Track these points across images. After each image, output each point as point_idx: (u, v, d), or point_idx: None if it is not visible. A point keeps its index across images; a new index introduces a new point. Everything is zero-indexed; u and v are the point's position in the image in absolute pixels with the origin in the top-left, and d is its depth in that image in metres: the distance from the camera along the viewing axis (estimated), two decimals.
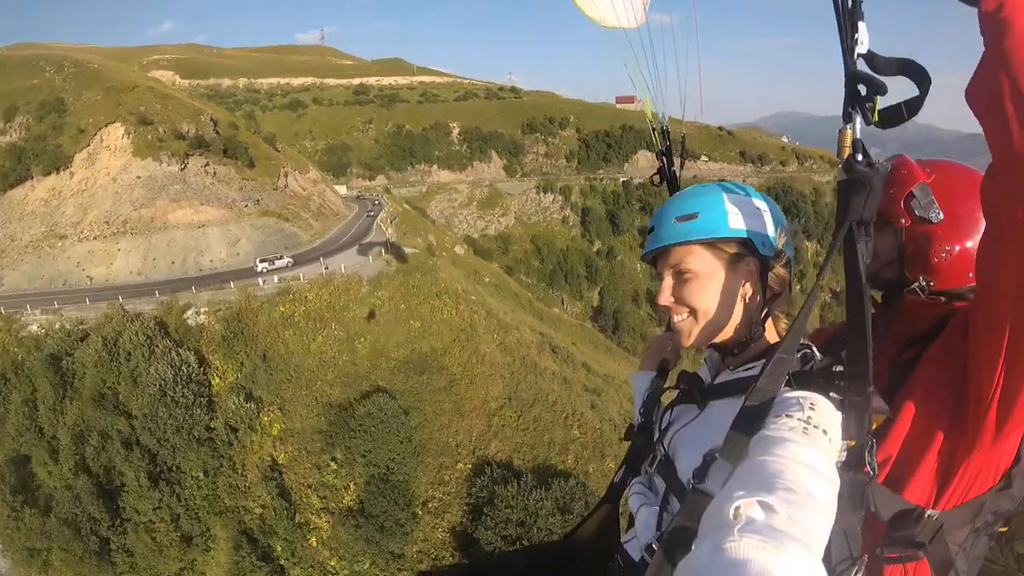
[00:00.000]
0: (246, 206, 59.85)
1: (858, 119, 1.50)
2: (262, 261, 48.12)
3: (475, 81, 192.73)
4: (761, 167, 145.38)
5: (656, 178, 3.21)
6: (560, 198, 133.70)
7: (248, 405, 35.69)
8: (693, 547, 1.19)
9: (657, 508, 1.97)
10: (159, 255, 53.26)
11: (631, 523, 2.09)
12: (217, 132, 65.67)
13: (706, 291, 1.86)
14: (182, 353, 36.26)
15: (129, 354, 36.59)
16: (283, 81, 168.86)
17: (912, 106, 1.45)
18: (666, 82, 3.03)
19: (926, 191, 2.17)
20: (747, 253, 1.85)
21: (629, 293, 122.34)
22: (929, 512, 1.86)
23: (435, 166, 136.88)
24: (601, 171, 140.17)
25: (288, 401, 36.75)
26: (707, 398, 1.96)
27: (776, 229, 1.88)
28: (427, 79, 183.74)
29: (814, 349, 1.72)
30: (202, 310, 40.52)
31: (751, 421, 1.53)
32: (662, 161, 3.18)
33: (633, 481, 2.20)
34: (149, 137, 60.49)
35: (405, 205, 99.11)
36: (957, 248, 2.12)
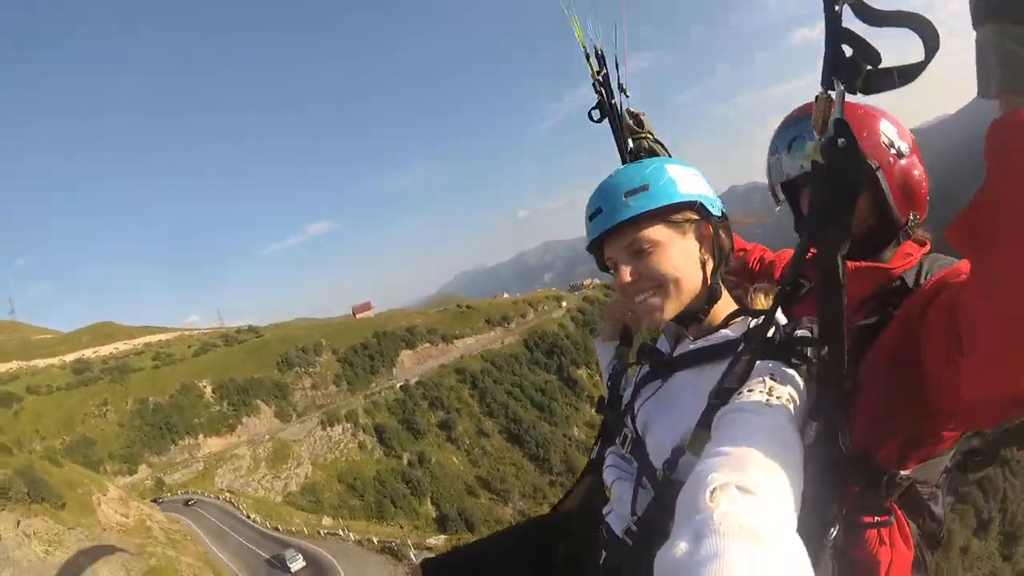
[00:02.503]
0: None
1: (839, 88, 1.42)
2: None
3: (205, 330, 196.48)
4: (509, 326, 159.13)
5: (595, 113, 3.53)
6: (349, 425, 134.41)
7: None
8: (671, 536, 1.22)
9: (631, 483, 2.10)
10: None
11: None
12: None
13: (670, 260, 1.95)
14: None
15: None
16: None
17: (908, 72, 1.35)
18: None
19: (889, 125, 2.26)
20: (699, 218, 1.99)
21: (461, 488, 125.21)
22: (901, 474, 1.94)
23: (201, 435, 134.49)
24: (374, 384, 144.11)
25: None
26: (670, 370, 2.09)
27: (714, 193, 2.03)
28: (152, 339, 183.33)
29: (779, 315, 1.81)
30: None
31: (714, 411, 1.63)
32: (600, 93, 3.49)
33: (608, 452, 2.35)
34: None
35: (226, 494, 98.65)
36: (921, 170, 2.28)
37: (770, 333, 1.76)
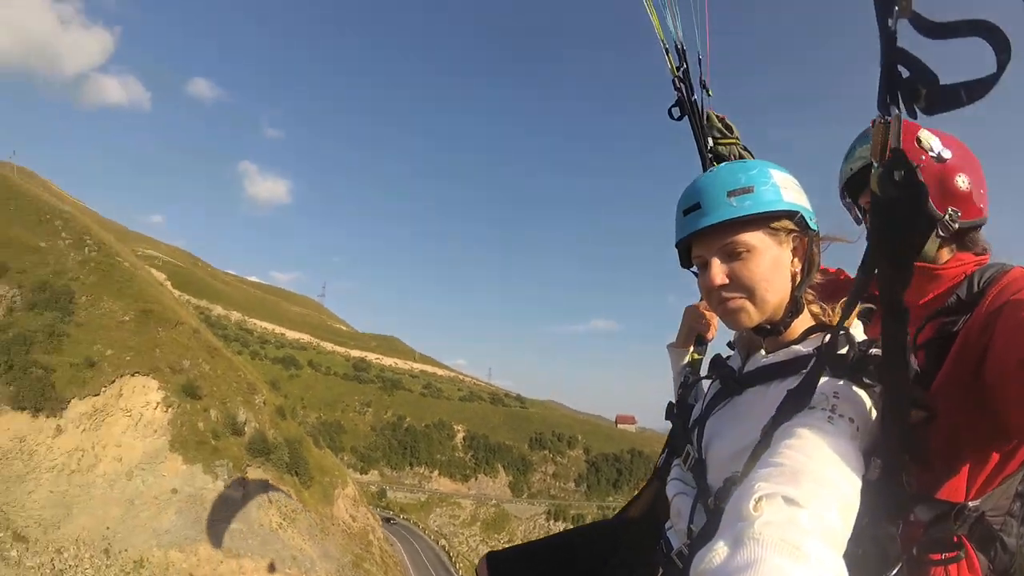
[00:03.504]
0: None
1: (895, 113, 1.38)
2: None
3: (477, 381, 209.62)
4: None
5: (675, 111, 3.54)
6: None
7: None
8: (712, 539, 1.24)
9: (691, 500, 2.11)
10: None
11: None
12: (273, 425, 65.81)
13: (763, 268, 1.96)
14: None
15: None
16: (278, 329, 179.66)
17: (977, 88, 1.28)
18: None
19: (929, 135, 2.42)
20: (797, 229, 2.00)
21: None
22: (970, 505, 1.84)
23: (436, 472, 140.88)
24: (611, 498, 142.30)
25: None
26: (740, 387, 2.10)
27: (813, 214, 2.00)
28: (428, 368, 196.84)
29: (851, 332, 1.79)
30: None
31: (774, 428, 1.63)
32: (680, 91, 3.49)
33: (674, 463, 2.34)
34: (199, 424, 57.95)
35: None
36: (971, 179, 2.38)
37: (844, 351, 1.76)
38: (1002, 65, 1.24)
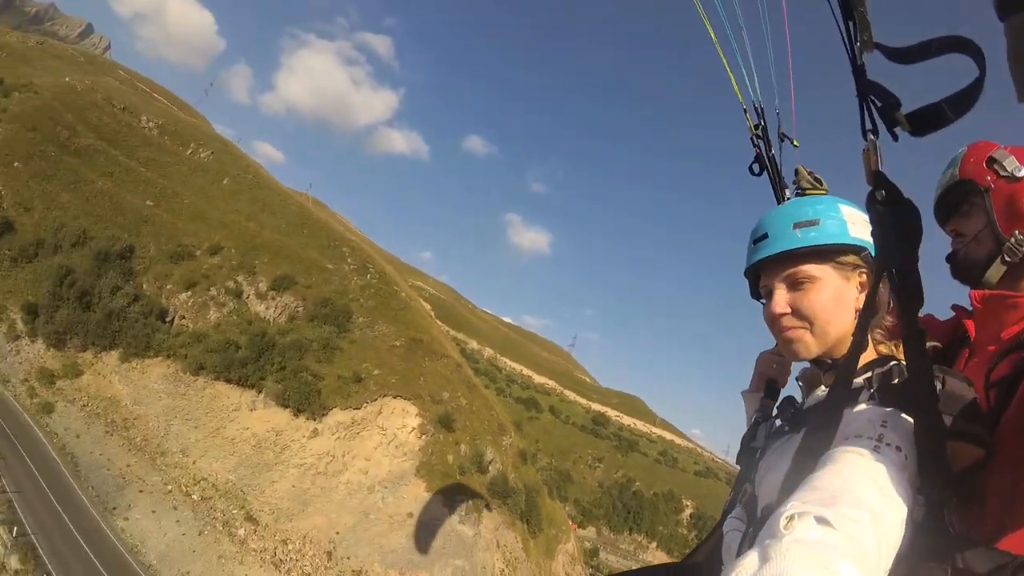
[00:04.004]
0: None
1: (876, 137, 1.51)
2: None
3: (715, 457, 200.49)
4: None
5: (755, 167, 3.53)
6: None
7: None
8: (743, 554, 1.22)
9: (742, 535, 2.07)
10: None
11: None
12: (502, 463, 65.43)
13: (826, 300, 1.95)
14: None
15: None
16: (525, 371, 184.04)
17: (960, 102, 1.33)
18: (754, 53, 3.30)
19: (1004, 153, 2.43)
20: (861, 264, 1.99)
21: None
22: None
23: (655, 543, 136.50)
24: None
25: None
26: (800, 422, 2.05)
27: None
28: (666, 435, 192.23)
29: (901, 362, 1.86)
30: None
31: (807, 465, 1.59)
32: (759, 147, 3.51)
33: (738, 504, 2.31)
34: (448, 456, 59.43)
35: None
36: None
37: (895, 381, 1.80)
38: (980, 78, 1.28)
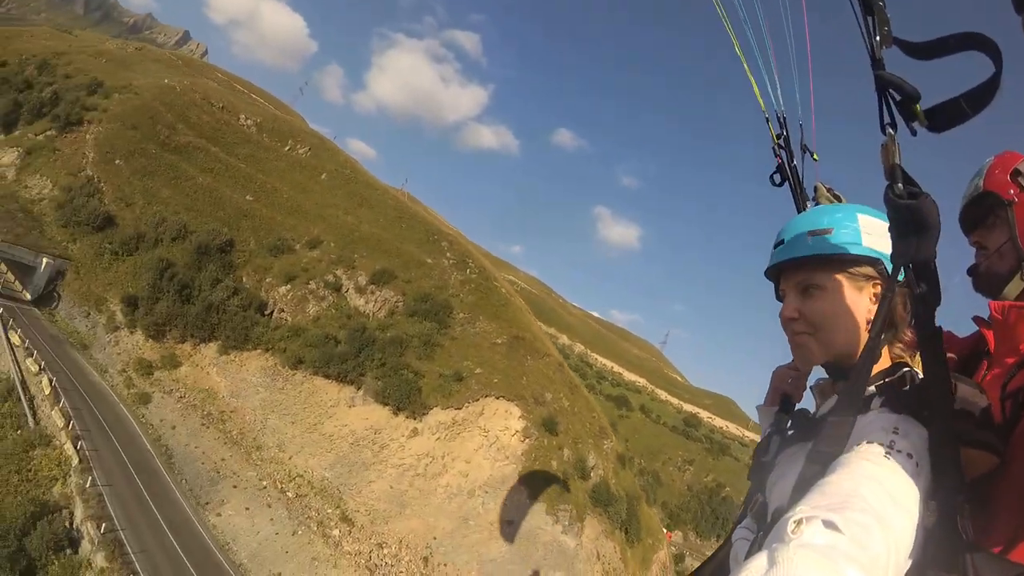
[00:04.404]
0: None
1: (895, 131, 1.50)
2: None
3: None
4: None
5: (776, 177, 3.40)
6: None
7: None
8: (750, 558, 1.23)
9: (749, 543, 2.09)
10: None
11: None
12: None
13: (833, 308, 1.95)
14: None
15: None
16: (616, 368, 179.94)
17: (978, 97, 1.36)
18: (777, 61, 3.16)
19: None
20: (876, 276, 1.97)
21: None
22: None
23: None
24: None
25: None
26: (813, 430, 1.97)
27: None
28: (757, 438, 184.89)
29: (913, 370, 1.86)
30: None
31: (816, 472, 1.59)
32: (781, 157, 3.39)
33: (748, 515, 2.32)
34: (552, 462, 55.88)
35: None
36: None
37: (907, 387, 1.81)
38: (997, 74, 1.27)
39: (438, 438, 55.06)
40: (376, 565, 47.93)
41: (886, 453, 1.51)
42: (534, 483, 54.04)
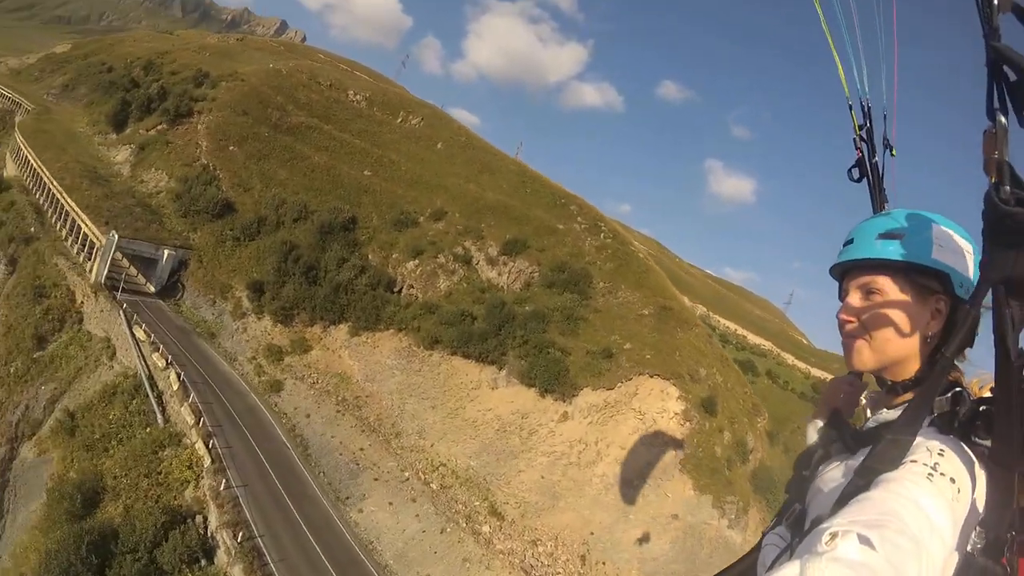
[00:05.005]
0: None
1: (1006, 119, 1.27)
2: None
3: None
4: None
5: (855, 172, 3.09)
6: None
7: None
8: (779, 567, 1.18)
9: (779, 550, 1.99)
10: None
11: None
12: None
13: (890, 316, 1.86)
14: None
15: None
16: (740, 330, 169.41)
17: None
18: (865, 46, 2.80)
19: None
20: (941, 290, 1.85)
21: None
22: None
23: None
24: None
25: None
26: (858, 444, 1.93)
27: (976, 275, 1.77)
28: None
29: (966, 391, 1.75)
30: None
31: (866, 476, 1.54)
32: (861, 150, 3.08)
33: (783, 524, 2.15)
34: (715, 448, 50.11)
35: None
36: None
37: (956, 406, 1.75)
38: None
39: (590, 422, 49.14)
40: (532, 565, 42.92)
41: (929, 475, 1.47)
42: (699, 473, 47.96)
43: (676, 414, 49.83)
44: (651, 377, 51.57)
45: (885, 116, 3.14)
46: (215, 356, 61.27)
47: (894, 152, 3.16)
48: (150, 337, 56.49)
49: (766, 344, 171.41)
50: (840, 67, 3.11)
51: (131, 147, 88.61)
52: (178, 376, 51.83)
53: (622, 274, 64.12)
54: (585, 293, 59.89)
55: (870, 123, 3.16)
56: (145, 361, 54.38)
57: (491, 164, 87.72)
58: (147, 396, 51.84)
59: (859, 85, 3.13)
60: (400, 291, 65.68)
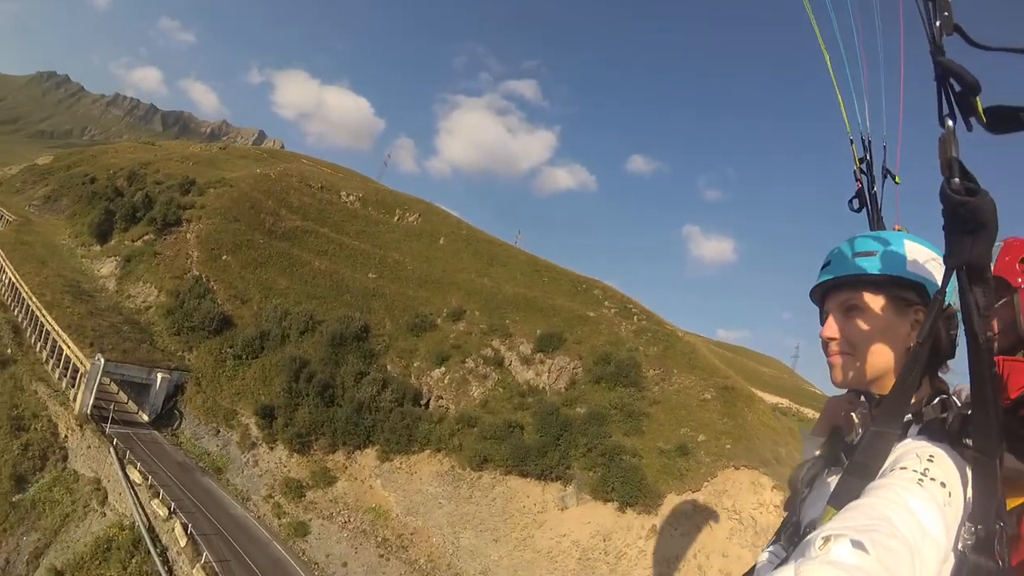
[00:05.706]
0: None
1: (954, 123, 1.41)
2: None
3: None
4: None
5: (855, 203, 3.18)
6: None
7: None
8: (775, 570, 1.21)
9: (775, 564, 2.01)
10: None
11: None
12: None
13: (871, 329, 1.90)
14: None
15: None
16: (757, 392, 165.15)
17: None
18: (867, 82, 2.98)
19: None
20: (918, 301, 1.90)
21: None
22: None
23: None
24: None
25: None
26: (850, 455, 1.90)
27: (953, 288, 1.76)
28: None
29: (953, 397, 1.82)
30: None
31: (852, 484, 1.59)
32: (861, 181, 3.21)
33: (774, 543, 2.17)
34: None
35: None
36: None
37: (943, 412, 1.81)
38: None
39: (682, 533, 41.74)
40: None
41: (919, 480, 1.50)
42: None
43: (776, 506, 42.26)
44: (737, 469, 44.70)
45: (885, 147, 3.25)
46: (224, 496, 52.34)
47: (898, 180, 3.26)
48: (147, 480, 48.09)
49: (784, 402, 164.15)
50: (843, 106, 3.18)
51: (116, 259, 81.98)
52: (184, 528, 43.05)
53: (671, 357, 57.67)
54: (638, 384, 53.01)
55: (870, 156, 3.23)
56: (143, 509, 45.91)
57: (499, 255, 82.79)
58: (149, 553, 42.97)
59: (860, 120, 3.20)
60: (427, 404, 58.31)
